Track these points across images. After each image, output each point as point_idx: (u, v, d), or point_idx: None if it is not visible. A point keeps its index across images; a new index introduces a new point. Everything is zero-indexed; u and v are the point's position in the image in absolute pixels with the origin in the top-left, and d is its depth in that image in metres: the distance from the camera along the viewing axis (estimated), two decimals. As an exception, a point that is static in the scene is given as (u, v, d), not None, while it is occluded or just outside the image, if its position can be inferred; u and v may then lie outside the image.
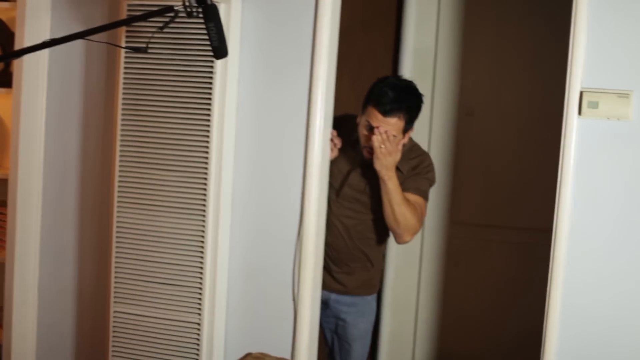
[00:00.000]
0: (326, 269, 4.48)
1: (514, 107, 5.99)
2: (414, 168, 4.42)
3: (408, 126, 4.27)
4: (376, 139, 4.14)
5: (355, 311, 4.61)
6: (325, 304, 4.56)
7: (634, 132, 3.66)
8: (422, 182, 4.42)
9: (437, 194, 6.07)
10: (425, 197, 4.43)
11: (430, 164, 4.50)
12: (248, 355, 3.14)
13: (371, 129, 4.20)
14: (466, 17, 6.04)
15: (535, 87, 5.80)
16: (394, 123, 4.18)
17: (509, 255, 6.04)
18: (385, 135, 4.15)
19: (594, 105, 3.66)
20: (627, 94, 3.64)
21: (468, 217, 6.16)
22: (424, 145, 4.62)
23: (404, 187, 4.28)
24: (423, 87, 5.75)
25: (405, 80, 4.46)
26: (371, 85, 4.31)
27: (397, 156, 4.20)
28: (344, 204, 4.45)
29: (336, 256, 4.49)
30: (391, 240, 5.78)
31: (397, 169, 4.25)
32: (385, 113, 4.17)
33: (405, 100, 4.23)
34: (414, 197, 4.32)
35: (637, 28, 3.64)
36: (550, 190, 3.82)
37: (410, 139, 4.40)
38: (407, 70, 5.86)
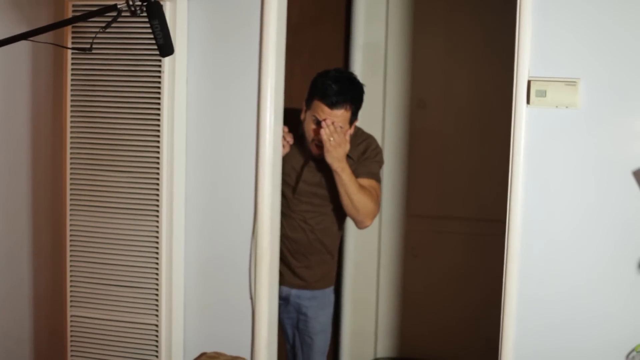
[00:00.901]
0: (286, 264, 4.51)
1: (466, 99, 6.02)
2: (363, 153, 4.46)
3: (354, 117, 4.32)
4: (324, 132, 4.17)
5: (316, 304, 4.63)
6: (286, 300, 4.59)
7: (582, 120, 3.69)
8: (372, 165, 4.46)
9: (392, 187, 6.09)
10: (378, 179, 4.49)
11: (378, 146, 4.56)
12: (203, 354, 3.13)
13: (318, 123, 4.23)
14: (415, 10, 6.06)
15: (487, 78, 5.82)
16: (340, 115, 4.22)
17: (467, 247, 6.07)
18: (333, 127, 4.18)
19: (542, 94, 3.68)
20: (574, 82, 3.66)
21: (424, 210, 6.17)
22: (377, 138, 4.63)
23: (356, 172, 4.33)
24: (374, 81, 5.80)
25: (346, 72, 4.52)
26: (312, 80, 4.35)
27: (347, 147, 4.24)
28: (301, 200, 4.47)
29: (296, 248, 4.52)
30: (349, 236, 5.82)
31: (348, 156, 4.29)
32: (332, 105, 4.20)
33: (350, 92, 4.27)
34: (367, 182, 4.37)
35: (582, 16, 3.67)
36: (503, 181, 3.83)
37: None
38: (358, 64, 5.87)
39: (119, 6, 3.16)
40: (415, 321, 6.22)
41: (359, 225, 4.46)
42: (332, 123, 4.19)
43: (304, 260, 4.54)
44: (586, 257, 3.75)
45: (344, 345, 6.14)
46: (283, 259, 4.45)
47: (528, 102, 3.71)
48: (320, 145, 4.23)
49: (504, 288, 3.84)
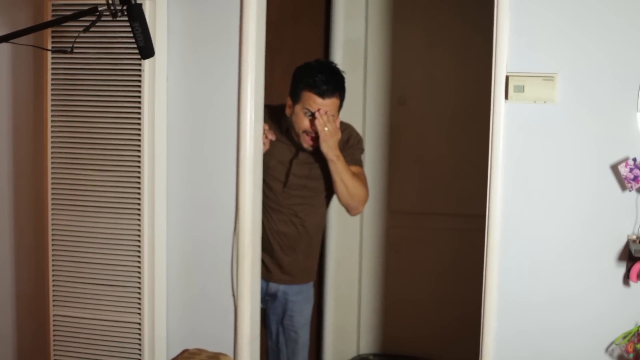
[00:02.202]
0: (275, 260, 4.58)
1: (445, 95, 6.04)
2: (347, 141, 4.54)
3: (341, 105, 4.41)
4: (319, 123, 4.25)
5: (302, 298, 4.70)
6: (274, 297, 4.65)
7: (560, 115, 3.71)
8: (356, 152, 4.57)
9: (373, 183, 6.09)
10: (362, 165, 4.61)
11: (358, 134, 4.67)
12: (185, 351, 3.14)
13: (312, 115, 4.29)
14: (395, 6, 6.08)
15: (467, 74, 5.85)
16: (332, 103, 4.31)
17: (447, 242, 6.09)
18: (327, 117, 4.25)
19: (520, 89, 3.70)
20: (552, 76, 3.68)
21: (405, 206, 6.19)
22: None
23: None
24: (355, 78, 5.83)
25: (327, 61, 4.67)
26: (294, 73, 4.42)
27: (339, 135, 4.33)
28: (291, 193, 4.53)
29: (286, 242, 4.58)
30: (331, 234, 5.84)
31: None
32: (323, 94, 4.28)
33: (336, 80, 4.37)
34: (354, 169, 4.47)
35: (559, 11, 3.69)
36: (484, 176, 3.85)
37: None
38: (339, 61, 5.84)
39: (99, 9, 3.16)
40: (398, 317, 6.24)
41: (352, 212, 4.56)
42: (326, 112, 4.26)
43: (292, 253, 4.61)
44: (565, 251, 3.78)
45: (327, 342, 6.15)
46: (273, 255, 4.53)
47: (506, 97, 3.74)
48: (314, 136, 4.31)
49: (485, 282, 3.86)
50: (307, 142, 4.39)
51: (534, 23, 3.72)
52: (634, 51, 3.62)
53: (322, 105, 4.29)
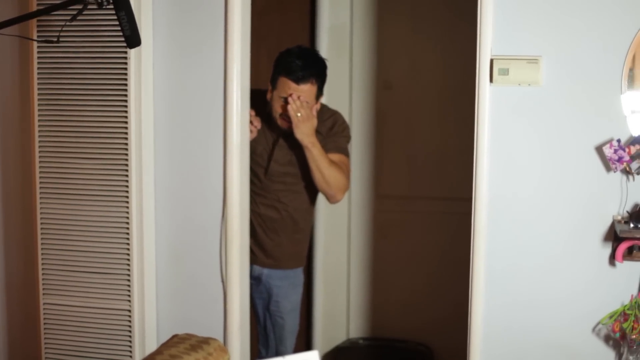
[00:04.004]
0: (259, 243, 4.58)
1: (431, 79, 6.03)
2: (331, 128, 4.54)
3: (319, 92, 4.41)
4: (291, 108, 4.26)
5: (287, 284, 4.70)
6: (257, 280, 4.65)
7: (545, 97, 3.73)
8: (340, 140, 4.55)
9: (361, 168, 6.11)
10: (347, 154, 4.58)
11: (344, 122, 4.65)
12: (174, 336, 3.14)
13: (286, 100, 4.30)
14: (380, -9, 6.09)
15: (452, 57, 5.84)
16: (307, 90, 4.31)
17: (436, 225, 6.09)
18: (300, 103, 4.25)
19: (504, 72, 3.71)
20: (536, 59, 3.70)
21: (393, 190, 6.19)
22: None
23: (325, 148, 4.39)
24: (341, 63, 5.82)
25: (308, 48, 4.67)
26: (275, 59, 4.43)
27: (314, 122, 4.32)
28: (273, 179, 4.54)
29: (269, 225, 4.59)
30: (319, 219, 5.84)
31: (316, 131, 4.36)
32: (298, 80, 4.29)
33: (314, 66, 4.37)
34: (337, 157, 4.45)
35: (543, -6, 3.71)
36: (470, 159, 3.87)
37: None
38: (324, 46, 5.87)
39: (85, -2, 3.17)
40: (387, 301, 6.24)
41: (331, 200, 4.54)
42: (299, 98, 4.26)
43: (276, 237, 4.61)
44: (551, 232, 3.81)
45: (317, 328, 6.16)
46: (256, 238, 4.53)
47: (491, 80, 3.75)
48: (288, 119, 4.30)
49: (472, 265, 3.88)
50: (282, 123, 4.40)
51: (518, 6, 3.73)
52: (618, 33, 3.64)
53: (296, 90, 4.29)
